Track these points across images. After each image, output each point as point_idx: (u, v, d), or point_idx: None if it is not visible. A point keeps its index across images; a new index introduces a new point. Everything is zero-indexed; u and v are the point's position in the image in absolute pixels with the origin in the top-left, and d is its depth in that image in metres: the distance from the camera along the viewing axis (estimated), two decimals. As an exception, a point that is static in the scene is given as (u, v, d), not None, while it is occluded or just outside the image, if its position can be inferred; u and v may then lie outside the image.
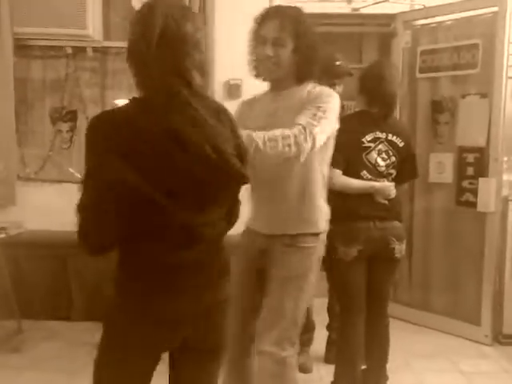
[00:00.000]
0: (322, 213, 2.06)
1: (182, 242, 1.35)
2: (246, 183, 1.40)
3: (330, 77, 2.90)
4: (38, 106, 3.90)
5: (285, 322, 1.97)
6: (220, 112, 1.41)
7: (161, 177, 1.28)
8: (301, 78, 1.98)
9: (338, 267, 2.53)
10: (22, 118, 3.86)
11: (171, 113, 1.28)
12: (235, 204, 1.54)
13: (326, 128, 1.89)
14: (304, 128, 1.81)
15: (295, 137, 1.78)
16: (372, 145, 2.48)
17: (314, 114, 1.86)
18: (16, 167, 3.81)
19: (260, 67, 2.02)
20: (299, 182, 1.99)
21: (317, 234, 2.02)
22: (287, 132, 1.79)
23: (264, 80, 2.08)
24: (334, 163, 2.39)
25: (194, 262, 1.37)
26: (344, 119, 2.69)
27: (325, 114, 1.88)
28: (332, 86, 2.94)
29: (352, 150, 2.46)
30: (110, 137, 1.26)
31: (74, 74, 3.85)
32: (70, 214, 4.39)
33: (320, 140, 1.85)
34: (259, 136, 1.75)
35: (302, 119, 1.84)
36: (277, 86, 2.03)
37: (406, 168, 2.60)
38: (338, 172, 2.44)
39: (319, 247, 2.06)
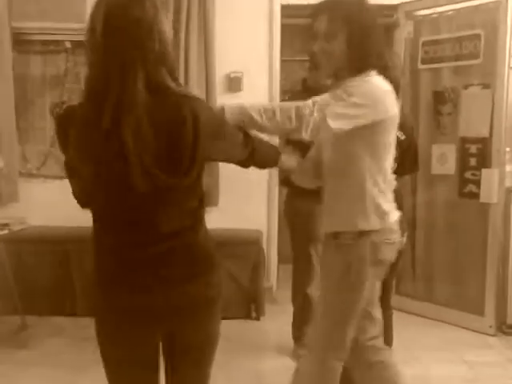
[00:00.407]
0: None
1: (134, 237, 1.34)
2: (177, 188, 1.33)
3: None
4: (38, 101, 3.89)
5: None
6: (180, 113, 1.27)
7: (104, 171, 1.30)
8: (356, 70, 1.82)
9: None
10: (22, 114, 3.85)
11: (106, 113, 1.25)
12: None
13: (347, 111, 1.72)
14: (314, 102, 1.71)
15: (297, 109, 1.69)
16: None
17: (336, 94, 1.76)
18: (17, 163, 3.80)
19: (317, 63, 1.96)
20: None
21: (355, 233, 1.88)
22: (289, 104, 1.74)
23: (323, 76, 2.00)
24: None
25: (153, 257, 1.34)
26: None
27: (350, 97, 1.73)
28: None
29: None
30: (66, 130, 1.32)
31: (73, 68, 3.84)
32: (73, 209, 4.38)
33: (333, 120, 1.69)
34: (254, 108, 1.68)
35: (320, 96, 1.75)
36: (336, 81, 1.90)
37: (407, 161, 2.59)
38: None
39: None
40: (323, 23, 1.82)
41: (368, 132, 1.77)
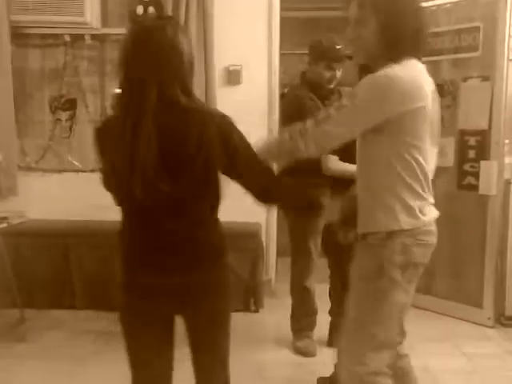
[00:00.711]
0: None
1: (152, 232, 1.53)
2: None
3: (329, 61, 2.90)
4: (37, 95, 3.88)
5: None
6: (185, 126, 1.44)
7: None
8: (391, 57, 1.68)
9: (338, 250, 2.53)
10: (20, 108, 3.84)
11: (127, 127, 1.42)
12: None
13: (345, 117, 1.68)
14: (298, 132, 1.70)
15: (294, 131, 1.71)
16: None
17: (339, 103, 1.71)
18: (16, 157, 3.80)
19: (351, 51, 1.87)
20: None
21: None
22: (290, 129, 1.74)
23: (358, 63, 1.95)
24: None
25: (170, 245, 1.53)
26: None
27: (353, 99, 1.67)
28: (331, 70, 2.94)
29: None
30: (102, 141, 1.52)
31: (72, 62, 3.84)
32: (71, 202, 4.40)
33: (335, 127, 1.68)
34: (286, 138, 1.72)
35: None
36: (373, 69, 1.75)
37: None
38: (335, 158, 2.43)
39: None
40: (353, 9, 1.74)
41: (389, 128, 1.67)
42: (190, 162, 1.43)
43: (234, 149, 1.51)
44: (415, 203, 1.76)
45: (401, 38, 1.69)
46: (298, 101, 2.97)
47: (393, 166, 1.72)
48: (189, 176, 1.45)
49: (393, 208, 1.74)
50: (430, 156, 1.83)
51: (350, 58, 2.96)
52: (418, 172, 1.74)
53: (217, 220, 1.63)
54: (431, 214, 1.80)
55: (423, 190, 1.79)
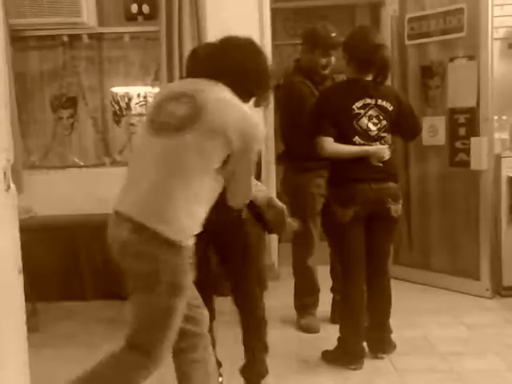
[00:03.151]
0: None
1: None
2: None
3: (325, 48, 2.99)
4: (38, 95, 3.98)
5: None
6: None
7: None
8: None
9: (336, 229, 2.64)
10: (23, 109, 3.95)
11: None
12: None
13: None
14: None
15: None
16: (362, 111, 2.55)
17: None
18: (21, 156, 3.90)
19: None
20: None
21: None
22: None
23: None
24: (323, 131, 2.53)
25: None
26: (332, 89, 2.81)
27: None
28: (327, 56, 3.03)
29: (342, 117, 2.55)
30: None
31: (71, 61, 3.94)
32: (76, 198, 4.50)
33: None
34: None
35: None
36: None
37: (402, 128, 2.70)
38: (329, 139, 2.53)
39: None
40: None
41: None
42: None
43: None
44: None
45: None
46: (294, 87, 3.07)
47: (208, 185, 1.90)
48: None
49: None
50: None
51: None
52: None
53: None
54: None
55: None
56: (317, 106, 2.68)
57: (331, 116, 2.54)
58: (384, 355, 2.75)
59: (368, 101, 2.56)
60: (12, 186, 1.29)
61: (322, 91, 2.92)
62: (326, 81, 3.11)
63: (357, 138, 2.55)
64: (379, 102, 2.58)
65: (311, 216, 3.13)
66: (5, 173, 1.23)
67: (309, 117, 2.68)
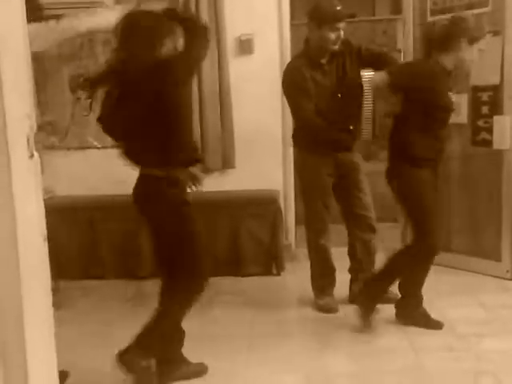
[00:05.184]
0: None
1: None
2: None
3: (332, 22, 2.92)
4: (56, 76, 3.99)
5: None
6: None
7: None
8: None
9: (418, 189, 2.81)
10: (41, 89, 3.96)
11: None
12: None
13: None
14: None
15: None
16: None
17: None
18: (40, 137, 3.94)
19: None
20: None
21: None
22: None
23: None
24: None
25: None
26: None
27: None
28: (336, 30, 2.96)
29: None
30: None
31: (88, 43, 3.93)
32: (94, 178, 4.55)
33: None
34: None
35: None
36: None
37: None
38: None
39: None
40: None
41: None
42: None
43: None
44: None
45: None
46: (288, 72, 3.06)
47: None
48: None
49: None
50: None
51: (352, 16, 3.01)
52: None
53: None
54: None
55: None
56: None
57: None
58: None
59: None
60: (35, 153, 1.29)
61: None
62: (336, 58, 3.03)
63: None
64: None
65: (322, 196, 3.12)
66: (28, 140, 1.22)
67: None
